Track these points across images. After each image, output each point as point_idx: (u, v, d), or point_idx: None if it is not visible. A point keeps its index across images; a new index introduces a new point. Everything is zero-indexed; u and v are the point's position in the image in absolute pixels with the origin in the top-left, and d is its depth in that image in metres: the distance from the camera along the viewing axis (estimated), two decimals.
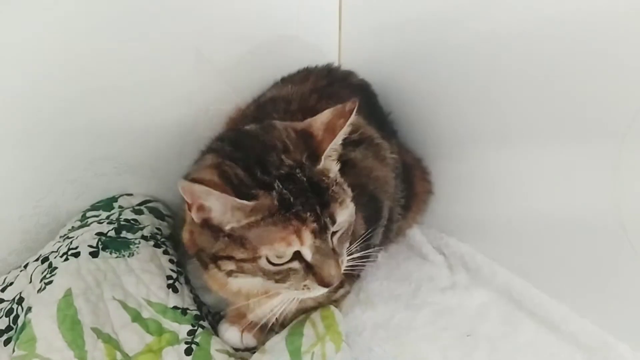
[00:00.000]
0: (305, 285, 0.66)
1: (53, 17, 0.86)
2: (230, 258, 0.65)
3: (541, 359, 0.84)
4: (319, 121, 0.69)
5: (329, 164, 0.69)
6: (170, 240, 1.02)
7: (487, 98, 0.94)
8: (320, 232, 0.63)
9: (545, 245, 0.91)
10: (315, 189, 0.65)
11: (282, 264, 0.64)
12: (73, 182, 1.03)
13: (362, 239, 0.79)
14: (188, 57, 1.03)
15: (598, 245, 0.83)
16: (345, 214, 0.66)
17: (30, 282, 0.87)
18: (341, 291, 0.90)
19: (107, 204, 1.04)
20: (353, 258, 0.74)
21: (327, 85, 1.02)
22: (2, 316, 0.84)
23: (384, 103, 1.14)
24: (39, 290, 0.81)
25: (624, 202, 0.77)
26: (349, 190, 0.70)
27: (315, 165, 0.67)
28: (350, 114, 0.67)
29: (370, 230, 0.85)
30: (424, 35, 1.03)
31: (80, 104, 0.96)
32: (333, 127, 0.67)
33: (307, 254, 0.64)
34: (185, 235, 0.78)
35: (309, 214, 0.63)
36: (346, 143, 0.84)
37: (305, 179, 0.64)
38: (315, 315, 0.86)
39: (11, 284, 0.90)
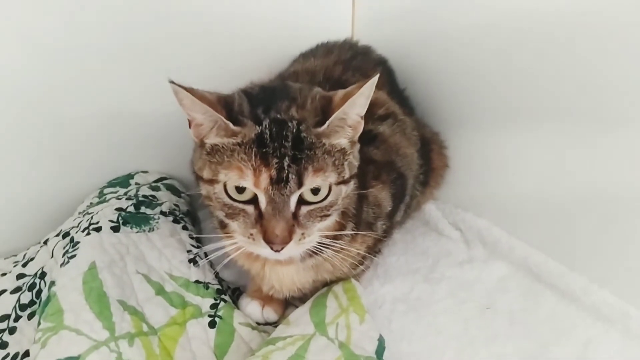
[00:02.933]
0: (251, 234, 0.66)
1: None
2: (200, 178, 0.68)
3: (562, 330, 0.84)
4: (342, 91, 0.68)
5: (336, 135, 0.67)
6: (188, 216, 1.02)
7: (503, 73, 0.93)
8: (279, 183, 0.63)
9: (563, 218, 0.91)
10: (296, 144, 0.64)
11: (238, 201, 0.65)
12: (89, 159, 1.03)
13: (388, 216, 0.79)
14: (201, 38, 1.02)
15: (616, 215, 0.83)
16: (316, 182, 0.65)
17: (52, 256, 0.87)
18: (361, 267, 0.90)
19: (123, 180, 1.04)
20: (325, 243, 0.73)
21: (351, 58, 1.02)
22: (25, 290, 0.85)
23: (403, 83, 1.14)
24: (62, 264, 0.82)
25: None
26: (344, 171, 0.68)
27: (318, 127, 0.66)
28: (363, 85, 0.65)
29: (394, 207, 0.85)
30: (436, 12, 1.03)
31: (97, 89, 0.97)
32: (348, 96, 0.66)
33: (262, 202, 0.64)
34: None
35: (275, 160, 0.63)
36: (374, 118, 0.84)
37: (293, 132, 0.64)
38: (338, 288, 0.86)
39: (32, 259, 0.90)
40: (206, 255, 0.82)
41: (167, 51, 1.00)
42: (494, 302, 0.92)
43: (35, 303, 0.83)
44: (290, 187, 0.63)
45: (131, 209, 0.94)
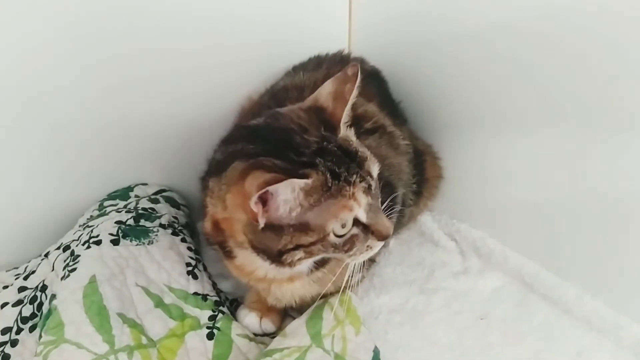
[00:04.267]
0: (368, 246, 0.70)
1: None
2: (298, 247, 0.66)
3: (555, 340, 0.86)
4: (324, 93, 0.70)
5: (345, 130, 0.71)
6: (186, 228, 1.04)
7: (497, 84, 0.95)
8: (368, 190, 0.66)
9: (556, 228, 0.93)
10: (347, 154, 0.67)
11: (345, 234, 0.66)
12: (89, 172, 1.05)
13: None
14: (198, 50, 1.03)
15: (609, 226, 0.85)
16: (376, 168, 0.70)
17: (53, 269, 0.89)
18: (358, 276, 0.91)
19: (123, 193, 1.05)
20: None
21: (340, 70, 1.02)
22: (26, 304, 0.86)
23: (394, 90, 1.15)
24: (63, 278, 0.83)
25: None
26: (367, 149, 0.72)
27: (336, 134, 0.68)
28: (355, 77, 0.69)
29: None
30: (434, 22, 1.04)
31: (99, 101, 0.98)
32: (342, 94, 0.69)
33: (363, 216, 0.66)
34: (206, 226, 0.79)
35: (354, 177, 0.65)
36: (360, 132, 0.86)
37: (336, 148, 0.66)
38: (334, 300, 0.87)
39: (33, 272, 0.91)
40: None
41: (166, 64, 1.01)
42: (489, 312, 0.93)
43: (36, 316, 0.85)
44: (372, 187, 0.67)
45: (131, 222, 0.95)
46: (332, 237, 0.66)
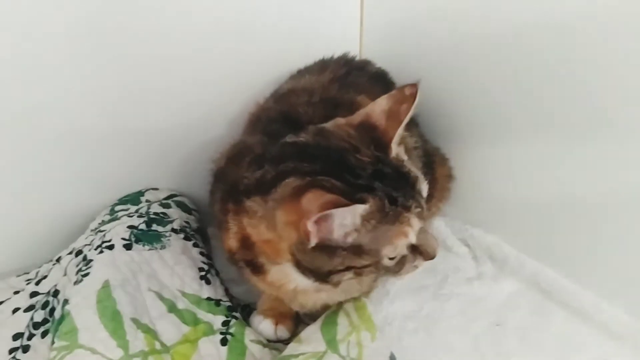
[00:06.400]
0: (415, 266, 0.69)
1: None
2: (349, 269, 0.65)
3: (573, 348, 0.85)
4: (378, 110, 0.68)
5: (396, 148, 0.69)
6: (198, 233, 1.03)
7: (511, 87, 0.94)
8: (422, 213, 0.65)
9: (573, 234, 0.92)
10: (402, 176, 0.66)
11: (396, 257, 0.66)
12: (100, 176, 1.04)
13: None
14: (209, 55, 1.03)
15: (627, 232, 0.84)
16: (426, 187, 0.69)
17: (65, 274, 0.88)
18: (373, 284, 0.91)
19: (134, 198, 1.05)
20: None
21: (345, 74, 1.00)
22: (38, 309, 0.85)
23: None
24: (76, 283, 0.82)
25: None
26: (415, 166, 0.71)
27: (388, 154, 0.67)
28: (413, 98, 0.66)
29: None
30: (443, 27, 1.04)
31: (110, 106, 0.98)
32: (397, 114, 0.67)
33: (413, 238, 0.65)
34: (231, 244, 0.77)
35: (411, 201, 0.64)
36: None
37: (391, 171, 0.65)
38: (349, 306, 0.86)
39: (45, 277, 0.90)
40: None
41: (176, 69, 1.01)
42: (504, 319, 0.92)
43: (48, 321, 0.84)
44: (424, 208, 0.67)
45: (143, 226, 0.94)
46: (385, 261, 0.65)
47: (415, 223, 0.64)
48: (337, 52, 1.13)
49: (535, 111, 0.91)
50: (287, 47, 1.13)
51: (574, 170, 0.89)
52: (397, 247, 0.64)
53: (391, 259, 0.66)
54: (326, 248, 0.63)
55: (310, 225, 0.59)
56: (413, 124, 1.08)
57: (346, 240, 0.62)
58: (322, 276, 0.66)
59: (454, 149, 1.11)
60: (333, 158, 0.65)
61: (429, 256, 0.68)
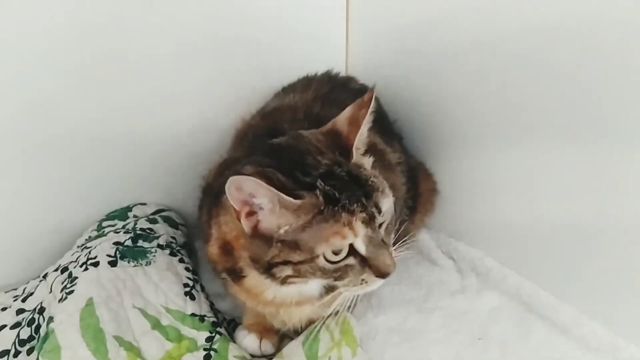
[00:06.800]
0: (363, 280, 0.68)
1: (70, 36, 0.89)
2: (286, 263, 0.66)
3: None
4: (343, 118, 0.71)
5: (360, 157, 0.71)
6: (184, 248, 1.04)
7: (493, 100, 0.95)
8: (370, 222, 0.65)
9: (554, 248, 0.93)
10: (356, 181, 0.67)
11: (338, 261, 0.66)
12: (88, 192, 1.05)
13: None
14: (197, 71, 1.05)
15: (607, 247, 0.84)
16: (387, 202, 0.68)
17: (51, 291, 0.89)
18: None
19: (122, 213, 1.06)
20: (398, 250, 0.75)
21: (329, 91, 1.03)
22: (24, 326, 0.86)
23: (392, 108, 1.16)
24: (61, 300, 0.83)
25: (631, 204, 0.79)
26: (385, 182, 0.71)
27: (349, 159, 0.69)
28: (369, 102, 0.69)
29: None
30: (430, 39, 1.04)
31: (97, 119, 0.98)
32: (356, 119, 0.69)
33: (361, 247, 0.66)
34: (212, 251, 0.79)
35: (356, 205, 0.64)
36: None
37: (344, 174, 0.67)
38: (331, 321, 0.87)
39: (31, 294, 0.91)
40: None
41: (165, 84, 1.02)
42: (487, 332, 0.93)
43: (34, 338, 0.84)
44: (376, 219, 0.66)
45: (129, 242, 0.95)
46: (321, 261, 0.65)
47: (360, 228, 0.64)
48: (323, 67, 1.14)
49: (520, 127, 0.92)
50: (273, 64, 1.14)
51: (557, 186, 0.89)
52: (332, 246, 0.64)
53: (331, 262, 0.66)
54: (264, 237, 0.66)
55: (235, 203, 0.63)
56: (397, 138, 1.09)
57: (280, 232, 0.65)
58: (265, 267, 0.68)
59: (438, 163, 1.12)
60: (293, 157, 0.68)
61: (378, 272, 0.67)
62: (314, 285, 0.72)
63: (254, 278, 0.75)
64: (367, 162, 0.73)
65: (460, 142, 1.07)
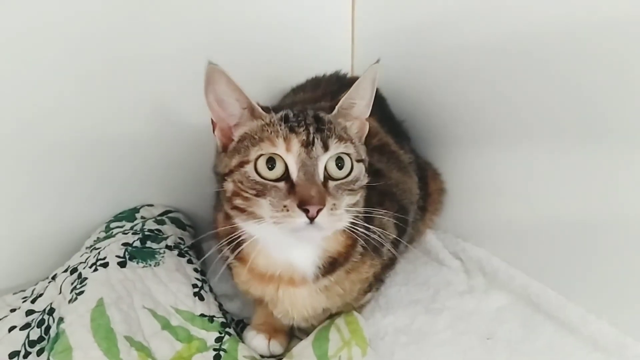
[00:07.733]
0: (284, 206, 0.67)
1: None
2: (230, 173, 0.72)
3: None
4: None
5: (347, 116, 0.77)
6: (192, 249, 1.04)
7: (498, 100, 0.96)
8: (308, 148, 0.69)
9: (561, 248, 0.93)
10: (317, 120, 0.73)
11: (268, 179, 0.69)
12: (95, 193, 1.06)
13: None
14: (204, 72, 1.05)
15: (614, 246, 0.85)
16: (339, 149, 0.72)
17: (60, 292, 0.89)
18: (368, 296, 0.92)
19: (129, 214, 1.06)
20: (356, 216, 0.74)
21: (337, 90, 1.04)
22: (34, 327, 0.86)
23: (397, 108, 1.16)
24: (71, 301, 0.83)
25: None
26: (360, 149, 0.77)
27: (330, 112, 0.75)
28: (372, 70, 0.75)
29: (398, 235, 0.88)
30: (435, 41, 1.06)
31: (104, 122, 0.99)
32: (349, 87, 0.75)
33: (293, 168, 0.68)
34: (219, 218, 0.83)
35: (302, 129, 0.70)
36: (370, 148, 0.87)
37: (312, 113, 0.74)
38: (340, 321, 0.88)
39: (41, 295, 0.91)
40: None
41: (172, 85, 1.03)
42: (494, 332, 0.92)
43: (44, 339, 0.85)
44: (317, 149, 0.69)
45: (137, 243, 0.96)
46: (250, 168, 0.69)
47: (295, 146, 0.69)
48: (329, 68, 1.15)
49: (526, 128, 0.93)
50: (279, 64, 1.15)
51: (564, 186, 0.90)
52: (261, 149, 0.69)
53: (261, 177, 0.69)
54: (227, 151, 0.75)
55: (210, 103, 0.73)
56: (405, 139, 1.10)
57: (235, 141, 0.74)
58: (221, 183, 0.74)
59: (444, 164, 1.13)
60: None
61: (300, 198, 0.66)
62: (268, 228, 0.70)
63: (248, 246, 0.75)
64: (353, 131, 0.78)
65: (466, 142, 1.07)
